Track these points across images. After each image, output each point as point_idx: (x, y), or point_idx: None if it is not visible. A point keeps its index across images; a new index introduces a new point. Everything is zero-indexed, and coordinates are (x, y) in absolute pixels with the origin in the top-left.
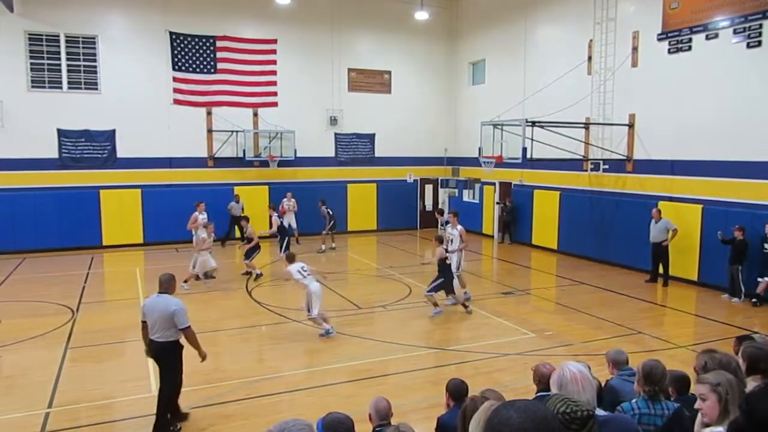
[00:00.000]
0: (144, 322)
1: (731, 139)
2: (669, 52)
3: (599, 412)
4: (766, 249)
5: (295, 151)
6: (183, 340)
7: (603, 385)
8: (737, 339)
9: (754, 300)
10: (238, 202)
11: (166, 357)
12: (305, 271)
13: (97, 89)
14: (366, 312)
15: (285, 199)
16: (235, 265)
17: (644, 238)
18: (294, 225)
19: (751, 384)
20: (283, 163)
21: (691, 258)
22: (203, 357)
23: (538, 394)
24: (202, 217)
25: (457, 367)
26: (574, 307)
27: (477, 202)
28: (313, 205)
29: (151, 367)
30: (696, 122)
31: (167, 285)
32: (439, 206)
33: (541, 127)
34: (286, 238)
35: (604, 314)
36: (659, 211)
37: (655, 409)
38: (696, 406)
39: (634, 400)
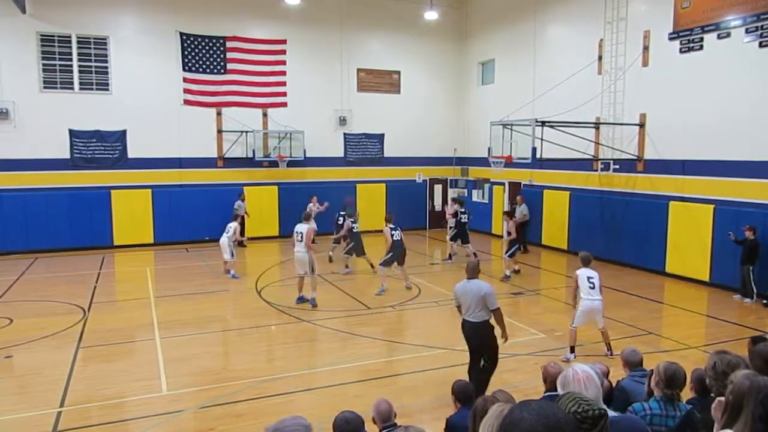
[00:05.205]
0: (459, 306)
1: (743, 138)
2: (680, 51)
3: (608, 412)
4: None
5: (305, 151)
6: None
7: (614, 385)
8: (752, 340)
9: (765, 301)
10: (243, 200)
11: (478, 335)
12: None
13: (108, 90)
14: (375, 312)
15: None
16: (242, 265)
17: (655, 238)
18: None
19: None
20: (293, 163)
21: (702, 258)
22: (506, 338)
23: (546, 393)
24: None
25: (466, 367)
26: None
27: (486, 202)
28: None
29: (162, 367)
30: (707, 122)
31: (475, 271)
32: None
33: (551, 126)
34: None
35: (615, 314)
36: (522, 197)
37: (667, 411)
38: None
39: (645, 401)
